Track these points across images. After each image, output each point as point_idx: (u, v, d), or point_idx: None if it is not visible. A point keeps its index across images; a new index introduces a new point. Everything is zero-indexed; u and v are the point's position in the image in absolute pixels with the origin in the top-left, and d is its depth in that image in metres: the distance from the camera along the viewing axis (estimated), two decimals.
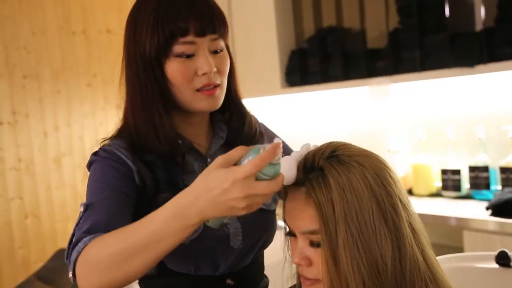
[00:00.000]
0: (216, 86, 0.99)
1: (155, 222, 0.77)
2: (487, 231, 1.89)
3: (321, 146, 0.82)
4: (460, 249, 1.95)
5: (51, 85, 3.33)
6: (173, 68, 0.96)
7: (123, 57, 1.03)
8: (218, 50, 1.00)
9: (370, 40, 2.53)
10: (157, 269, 1.00)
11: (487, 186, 2.15)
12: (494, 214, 1.90)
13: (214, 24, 0.97)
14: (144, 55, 0.96)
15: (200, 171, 1.02)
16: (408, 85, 2.46)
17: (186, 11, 0.95)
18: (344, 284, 0.73)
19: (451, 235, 2.09)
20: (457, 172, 2.25)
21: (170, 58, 0.96)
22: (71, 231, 2.87)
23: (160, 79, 0.97)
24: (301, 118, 3.06)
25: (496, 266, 1.26)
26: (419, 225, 0.79)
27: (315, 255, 0.77)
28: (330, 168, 0.76)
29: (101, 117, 3.47)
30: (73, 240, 0.86)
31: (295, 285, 0.90)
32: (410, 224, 0.77)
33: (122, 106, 1.05)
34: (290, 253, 0.85)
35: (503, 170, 2.09)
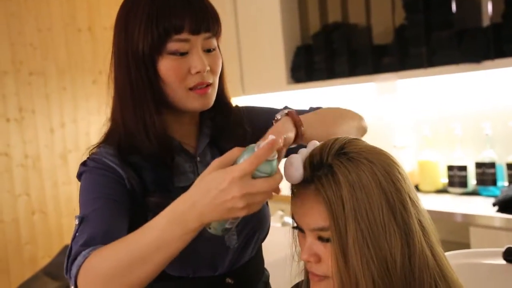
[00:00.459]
0: (209, 85, 0.98)
1: (154, 230, 0.76)
2: (494, 227, 1.88)
3: (326, 142, 0.81)
4: (466, 246, 1.95)
5: (57, 81, 3.34)
6: (167, 66, 0.94)
7: (112, 55, 1.01)
8: (211, 49, 0.99)
9: (376, 36, 2.53)
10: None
11: (493, 182, 2.15)
12: (501, 210, 1.90)
13: (209, 22, 0.96)
14: (137, 53, 0.94)
15: (192, 171, 1.02)
16: (415, 81, 2.45)
17: (181, 8, 0.94)
18: (354, 281, 0.73)
19: (458, 232, 2.08)
20: (464, 168, 2.24)
21: (163, 56, 0.94)
22: None
23: (152, 77, 0.95)
24: None
25: (503, 262, 1.25)
26: (428, 221, 0.79)
27: (324, 251, 0.77)
28: (339, 165, 0.76)
29: (107, 114, 3.48)
30: (71, 254, 0.84)
31: (302, 281, 0.90)
32: (419, 220, 0.77)
33: (110, 105, 1.04)
34: (297, 249, 0.85)
35: (510, 166, 2.09)
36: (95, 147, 1.01)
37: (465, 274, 0.90)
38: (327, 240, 0.77)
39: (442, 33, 2.19)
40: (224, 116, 1.07)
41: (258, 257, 1.12)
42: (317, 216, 0.76)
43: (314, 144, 0.83)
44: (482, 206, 2.03)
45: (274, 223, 1.76)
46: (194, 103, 0.98)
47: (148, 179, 0.97)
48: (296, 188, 0.81)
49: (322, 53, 2.71)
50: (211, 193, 0.71)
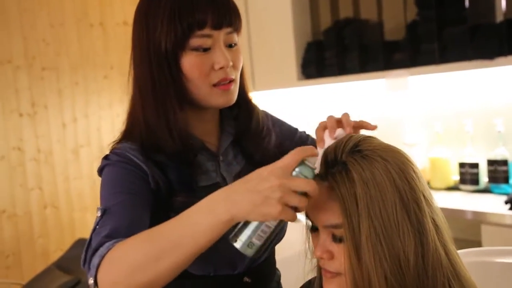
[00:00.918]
0: (231, 81, 0.97)
1: (184, 221, 0.74)
2: (506, 225, 1.87)
3: (340, 139, 0.82)
4: (478, 244, 1.94)
5: (70, 76, 3.36)
6: (190, 62, 0.93)
7: (132, 51, 1.00)
8: (233, 44, 0.98)
9: (387, 32, 2.51)
10: None
11: (506, 180, 2.13)
12: None
13: (231, 16, 0.96)
14: (159, 49, 0.93)
15: (214, 170, 1.01)
16: (426, 78, 2.44)
17: (204, 3, 0.93)
18: (366, 278, 0.73)
19: (469, 229, 2.07)
20: (475, 165, 2.23)
21: (186, 52, 0.93)
22: (88, 221, 2.95)
23: (175, 74, 0.94)
24: (317, 110, 3.06)
25: None
26: (442, 220, 0.79)
27: (337, 249, 0.77)
28: (354, 162, 0.76)
29: (118, 109, 3.50)
30: (92, 245, 0.82)
31: (315, 277, 0.91)
32: (433, 219, 0.77)
33: (128, 103, 1.02)
34: (310, 246, 0.85)
35: None
36: (116, 143, 0.99)
37: (476, 273, 0.90)
38: (340, 238, 0.77)
39: (455, 29, 2.17)
40: (247, 115, 1.07)
41: (272, 256, 1.13)
42: (330, 213, 0.77)
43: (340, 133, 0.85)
44: (494, 204, 2.02)
45: None
46: (218, 99, 0.97)
47: (173, 178, 0.95)
48: None
49: (333, 49, 2.70)
50: (249, 183, 0.70)
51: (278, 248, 1.16)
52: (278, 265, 1.17)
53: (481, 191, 2.23)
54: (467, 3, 2.14)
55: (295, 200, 0.69)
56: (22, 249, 3.19)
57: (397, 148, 0.80)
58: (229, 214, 0.71)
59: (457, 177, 2.33)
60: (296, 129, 1.22)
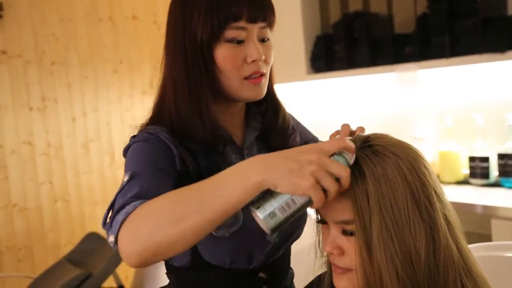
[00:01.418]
0: (262, 75, 0.99)
1: (214, 181, 0.73)
2: None
3: (353, 137, 0.82)
4: (488, 237, 1.94)
5: (79, 71, 3.38)
6: (224, 54, 0.95)
7: (166, 41, 1.02)
8: (266, 39, 1.00)
9: (397, 25, 2.50)
10: (191, 261, 0.99)
11: None
12: None
13: (266, 11, 0.98)
14: (195, 39, 0.95)
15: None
16: (436, 71, 2.42)
17: None
18: (377, 274, 0.73)
19: (479, 223, 2.07)
20: (486, 159, 2.22)
21: (220, 43, 0.95)
22: (98, 215, 2.97)
23: (209, 65, 0.96)
24: (327, 104, 3.05)
25: None
26: (453, 216, 0.79)
27: (348, 244, 0.77)
28: (365, 158, 0.76)
29: (127, 103, 3.51)
30: (117, 204, 0.80)
31: (325, 272, 0.91)
32: (444, 215, 0.77)
33: (157, 91, 1.03)
34: (321, 243, 0.85)
35: None
36: (144, 125, 1.00)
37: (486, 267, 0.89)
38: (351, 234, 0.77)
39: (465, 22, 2.15)
40: (274, 112, 1.08)
41: (288, 254, 1.13)
42: (341, 209, 0.77)
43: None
44: (504, 198, 2.01)
45: None
46: (248, 92, 0.98)
47: (202, 164, 0.97)
48: None
49: (343, 43, 2.69)
50: (287, 153, 0.71)
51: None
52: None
53: (491, 185, 2.22)
54: None
55: (328, 180, 0.69)
56: (34, 243, 3.22)
57: (408, 144, 0.80)
58: (260, 176, 0.70)
59: (467, 171, 2.32)
60: (314, 137, 1.23)
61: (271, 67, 1.05)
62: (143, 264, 0.75)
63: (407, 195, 0.74)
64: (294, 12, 2.88)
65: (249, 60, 0.96)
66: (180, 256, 1.00)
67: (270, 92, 1.07)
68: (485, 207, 1.98)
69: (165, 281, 1.13)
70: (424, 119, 2.54)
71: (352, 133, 0.90)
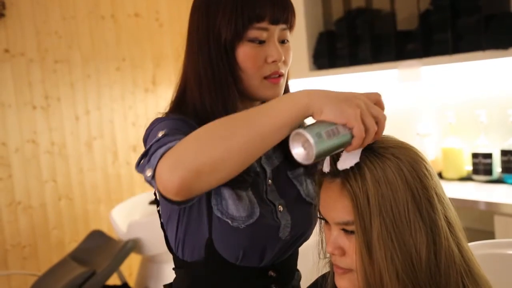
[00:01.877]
0: (281, 75, 1.02)
1: (265, 104, 0.77)
2: None
3: None
4: (491, 234, 1.94)
5: (82, 69, 3.38)
6: (245, 53, 0.98)
7: (188, 38, 1.04)
8: (285, 41, 1.03)
9: (400, 22, 2.49)
10: (205, 255, 1.00)
11: None
12: None
13: (288, 14, 1.01)
14: (219, 38, 0.98)
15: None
16: (439, 68, 2.42)
17: None
18: (378, 275, 0.73)
19: (482, 220, 2.07)
20: (489, 155, 2.21)
21: (243, 42, 0.98)
22: (102, 212, 2.98)
23: (232, 63, 0.99)
24: None
25: None
26: (454, 217, 0.79)
27: (349, 245, 0.78)
28: (366, 160, 0.76)
29: (130, 101, 3.52)
30: (152, 149, 0.82)
31: (328, 272, 0.92)
32: (445, 217, 0.77)
33: (177, 85, 1.05)
34: (324, 244, 0.86)
35: None
36: (165, 113, 1.03)
37: (490, 265, 0.90)
38: (351, 232, 0.77)
39: (468, 18, 2.15)
40: None
41: (296, 255, 1.15)
42: (342, 210, 0.77)
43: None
44: (507, 194, 2.01)
45: None
46: (267, 92, 1.01)
47: None
48: (323, 181, 0.82)
49: (345, 39, 2.68)
50: (338, 92, 0.75)
51: None
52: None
53: (494, 182, 2.22)
54: None
55: (370, 118, 0.73)
56: (38, 241, 3.23)
57: (410, 145, 0.80)
58: (308, 98, 0.74)
59: (470, 168, 2.32)
60: None
61: (288, 69, 1.07)
62: (185, 191, 0.74)
63: (407, 197, 0.74)
64: (296, 9, 2.85)
65: (269, 60, 0.99)
66: (195, 248, 1.01)
67: (286, 92, 1.10)
68: (488, 204, 1.98)
69: (169, 278, 1.13)
70: (427, 115, 2.53)
71: None
